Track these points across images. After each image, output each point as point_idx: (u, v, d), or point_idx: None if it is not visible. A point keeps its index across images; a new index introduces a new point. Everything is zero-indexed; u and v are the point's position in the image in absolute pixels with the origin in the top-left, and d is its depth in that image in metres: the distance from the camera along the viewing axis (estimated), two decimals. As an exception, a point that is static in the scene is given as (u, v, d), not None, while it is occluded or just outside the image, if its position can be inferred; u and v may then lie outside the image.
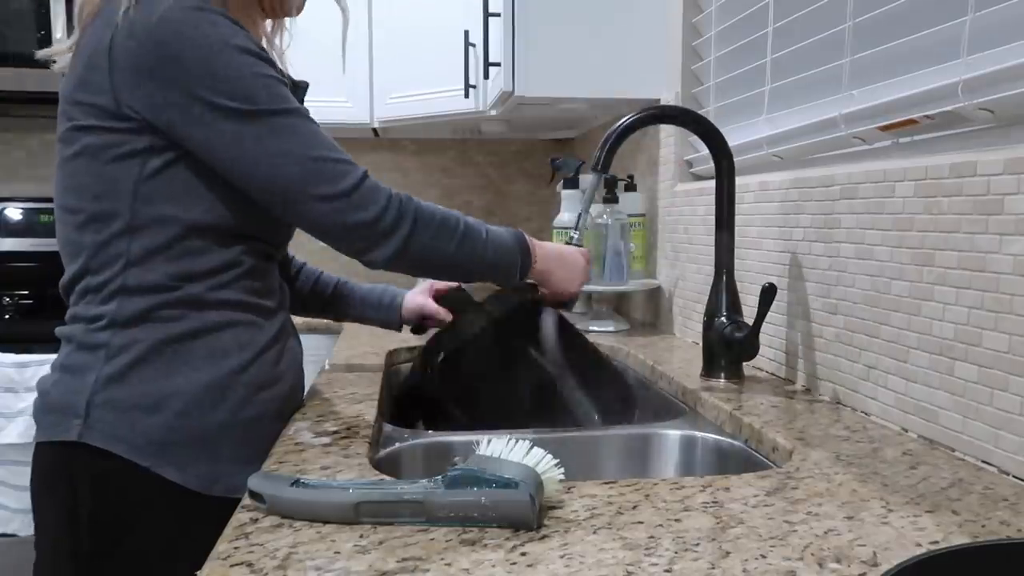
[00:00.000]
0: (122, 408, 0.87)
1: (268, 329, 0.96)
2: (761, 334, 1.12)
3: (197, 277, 0.89)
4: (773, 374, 1.19)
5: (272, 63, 0.90)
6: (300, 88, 1.01)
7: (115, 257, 0.88)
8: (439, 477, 0.62)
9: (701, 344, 1.19)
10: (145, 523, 0.88)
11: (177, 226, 0.88)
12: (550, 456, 0.65)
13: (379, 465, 0.83)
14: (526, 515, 0.60)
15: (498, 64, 1.72)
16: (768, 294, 1.03)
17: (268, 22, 1.05)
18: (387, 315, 1.26)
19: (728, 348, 1.13)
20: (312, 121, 0.90)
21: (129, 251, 0.87)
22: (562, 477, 0.65)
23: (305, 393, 1.09)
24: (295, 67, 1.06)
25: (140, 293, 0.88)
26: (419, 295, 1.25)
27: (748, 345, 1.10)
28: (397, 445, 0.94)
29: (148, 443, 0.87)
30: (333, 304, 1.27)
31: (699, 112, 1.32)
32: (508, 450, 0.65)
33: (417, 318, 1.25)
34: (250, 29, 0.95)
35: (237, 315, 0.92)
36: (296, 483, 0.64)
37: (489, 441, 0.66)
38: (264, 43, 1.04)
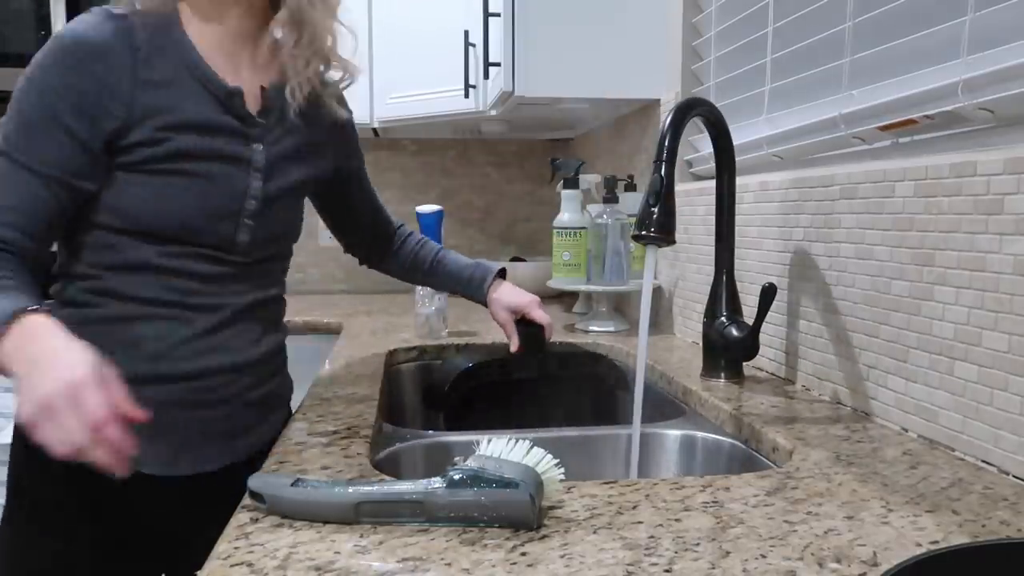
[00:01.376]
0: None
1: (197, 325, 0.95)
2: (761, 334, 1.12)
3: (117, 269, 0.92)
4: (773, 374, 1.19)
5: (75, 109, 0.86)
6: (234, 94, 0.95)
7: (62, 245, 0.95)
8: (439, 477, 0.62)
9: (701, 344, 1.19)
10: (48, 474, 0.91)
11: (91, 223, 0.91)
12: (550, 456, 0.65)
13: (379, 465, 0.83)
14: (526, 515, 0.60)
15: (498, 64, 1.72)
16: (768, 294, 1.03)
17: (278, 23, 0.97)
18: (475, 293, 1.29)
19: (728, 348, 1.13)
20: (15, 171, 0.86)
21: (69, 241, 0.93)
22: (562, 477, 0.65)
23: (291, 390, 1.12)
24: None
25: (71, 279, 0.94)
26: (520, 296, 1.27)
27: (748, 345, 1.10)
28: (397, 445, 0.94)
29: None
30: (431, 275, 1.31)
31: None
32: (508, 450, 0.65)
33: (509, 313, 1.26)
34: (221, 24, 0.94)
35: (156, 310, 0.93)
36: (296, 483, 0.64)
37: (489, 441, 0.66)
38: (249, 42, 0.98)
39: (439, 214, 1.53)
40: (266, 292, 1.03)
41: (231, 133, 0.95)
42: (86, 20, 0.88)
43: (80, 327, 0.89)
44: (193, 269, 0.94)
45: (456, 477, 0.62)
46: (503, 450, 0.65)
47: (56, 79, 0.86)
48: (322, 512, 0.63)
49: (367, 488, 0.63)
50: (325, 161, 1.09)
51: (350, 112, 1.13)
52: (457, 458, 0.64)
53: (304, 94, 0.98)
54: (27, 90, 0.87)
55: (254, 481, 0.66)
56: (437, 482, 0.62)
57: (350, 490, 0.63)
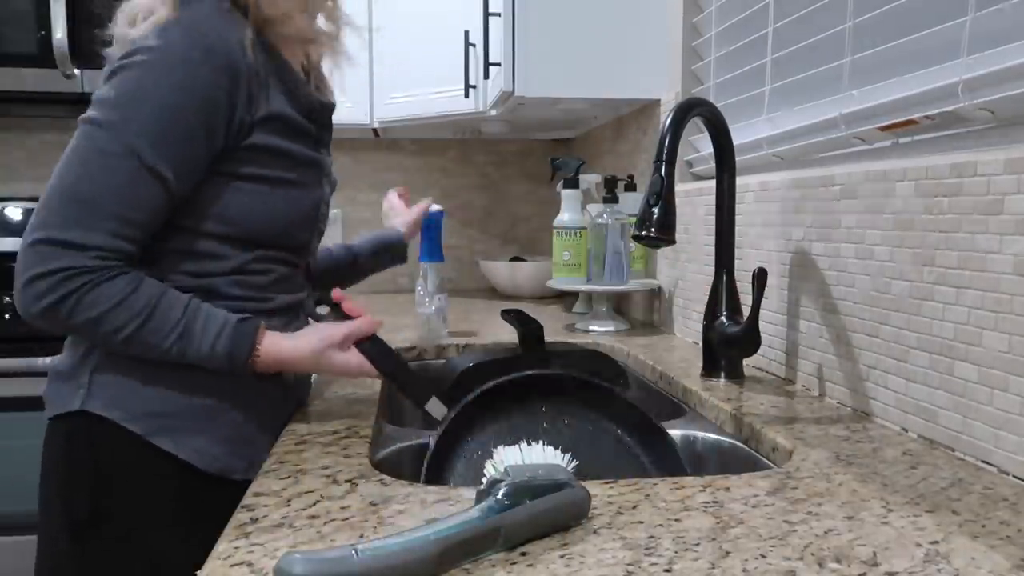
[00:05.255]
0: (123, 375, 0.89)
1: (274, 322, 0.95)
2: (761, 334, 1.12)
3: (220, 275, 0.91)
4: (773, 374, 1.19)
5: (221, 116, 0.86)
6: (326, 108, 1.02)
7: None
8: (494, 499, 0.57)
9: (701, 344, 1.19)
10: (141, 491, 0.89)
11: (194, 232, 0.90)
12: (560, 451, 0.65)
13: (379, 465, 0.83)
14: (584, 510, 0.61)
15: (498, 64, 1.72)
16: (760, 279, 1.03)
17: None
18: (393, 257, 1.36)
19: (728, 345, 1.13)
20: (146, 177, 0.83)
21: (156, 251, 0.91)
22: (573, 471, 0.65)
23: (311, 389, 1.10)
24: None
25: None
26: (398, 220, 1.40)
27: (748, 339, 1.09)
28: (397, 445, 0.94)
29: (145, 413, 0.89)
30: (351, 274, 1.33)
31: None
32: (526, 455, 0.64)
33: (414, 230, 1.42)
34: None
35: (238, 304, 0.92)
36: (353, 553, 0.51)
37: (505, 449, 0.65)
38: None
39: (439, 214, 1.53)
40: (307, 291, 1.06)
41: (316, 141, 1.00)
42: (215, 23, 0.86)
43: None
44: (275, 272, 0.96)
45: (510, 493, 0.57)
46: (522, 456, 0.64)
47: (205, 79, 0.83)
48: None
49: (445, 532, 0.54)
50: None
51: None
52: (487, 474, 0.61)
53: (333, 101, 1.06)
54: (165, 85, 0.82)
55: (300, 567, 0.49)
56: (500, 502, 0.57)
57: (431, 538, 0.53)
